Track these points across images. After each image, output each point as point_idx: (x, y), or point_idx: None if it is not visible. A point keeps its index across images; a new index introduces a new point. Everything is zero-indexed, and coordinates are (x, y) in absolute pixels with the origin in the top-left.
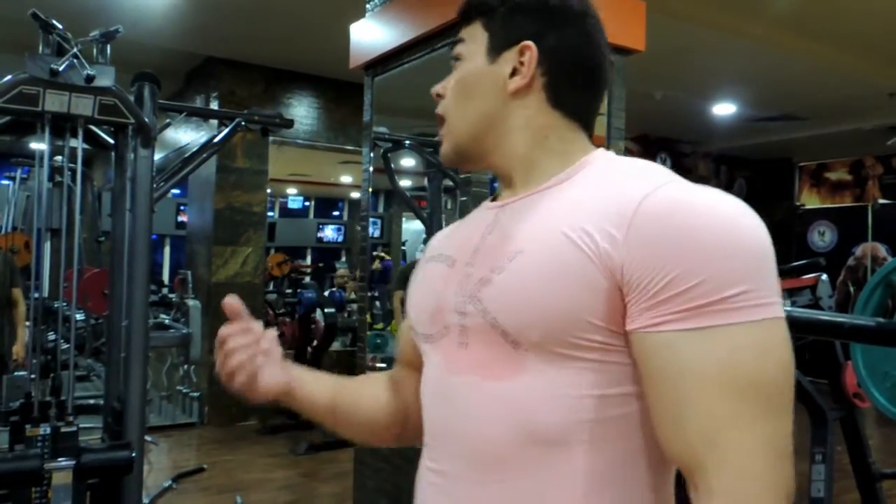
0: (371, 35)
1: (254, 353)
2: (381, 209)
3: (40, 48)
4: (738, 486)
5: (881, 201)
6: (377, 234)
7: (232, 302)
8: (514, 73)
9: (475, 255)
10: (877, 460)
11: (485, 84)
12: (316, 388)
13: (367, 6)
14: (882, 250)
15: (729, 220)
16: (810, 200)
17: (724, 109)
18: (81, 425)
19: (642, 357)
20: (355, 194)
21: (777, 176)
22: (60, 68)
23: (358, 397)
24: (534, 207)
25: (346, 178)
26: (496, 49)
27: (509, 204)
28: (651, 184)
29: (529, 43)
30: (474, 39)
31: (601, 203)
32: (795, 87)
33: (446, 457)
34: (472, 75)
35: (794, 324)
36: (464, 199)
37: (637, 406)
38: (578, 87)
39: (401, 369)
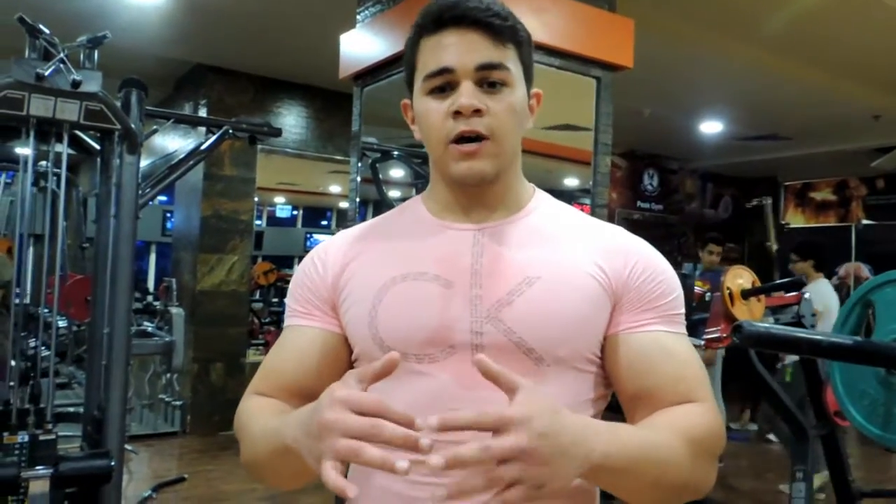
0: (361, 46)
1: None
2: (369, 219)
3: (27, 52)
4: (712, 401)
5: (864, 222)
6: None
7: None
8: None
9: (475, 277)
10: (857, 479)
11: (524, 115)
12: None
13: (358, 17)
14: (865, 270)
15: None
16: (795, 219)
17: (711, 127)
18: (61, 433)
19: (631, 347)
20: (344, 204)
21: (762, 194)
22: (46, 73)
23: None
24: (522, 233)
25: (335, 188)
26: (529, 86)
27: (491, 227)
28: (615, 227)
29: (540, 91)
30: (513, 67)
31: (595, 240)
32: (781, 107)
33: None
34: (521, 105)
35: (774, 340)
36: None
37: (601, 406)
38: None
39: (285, 398)
